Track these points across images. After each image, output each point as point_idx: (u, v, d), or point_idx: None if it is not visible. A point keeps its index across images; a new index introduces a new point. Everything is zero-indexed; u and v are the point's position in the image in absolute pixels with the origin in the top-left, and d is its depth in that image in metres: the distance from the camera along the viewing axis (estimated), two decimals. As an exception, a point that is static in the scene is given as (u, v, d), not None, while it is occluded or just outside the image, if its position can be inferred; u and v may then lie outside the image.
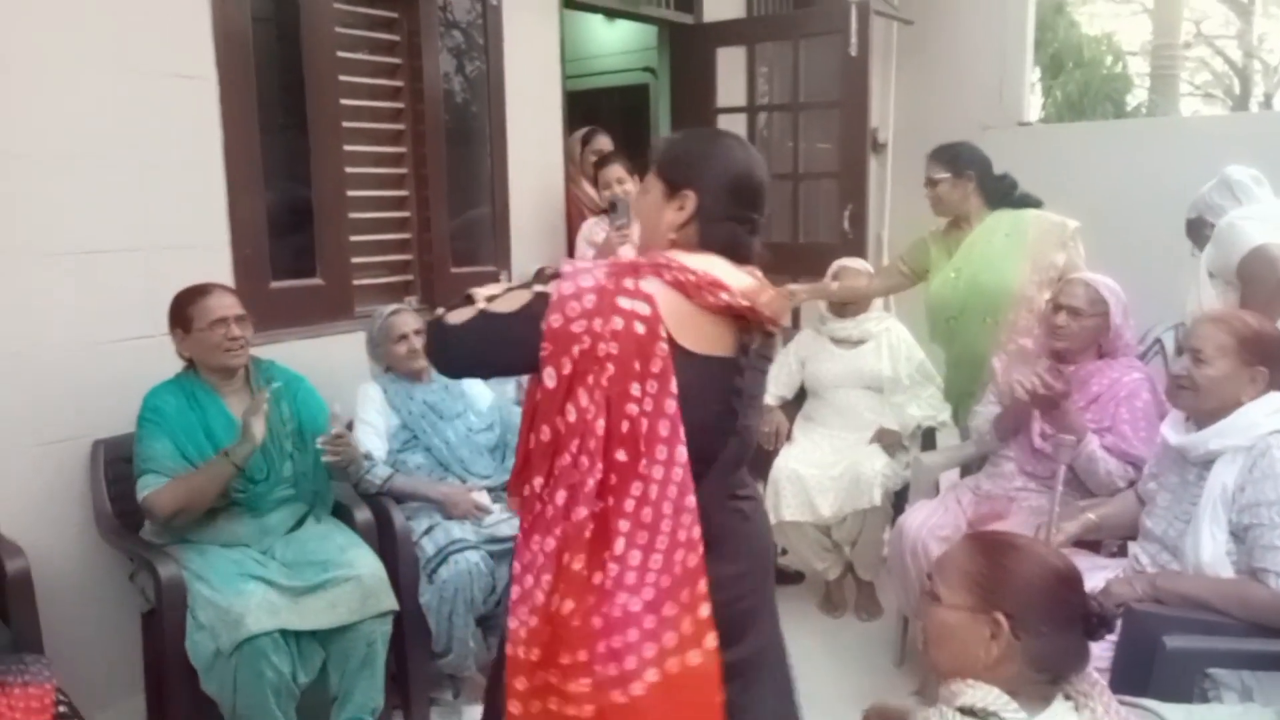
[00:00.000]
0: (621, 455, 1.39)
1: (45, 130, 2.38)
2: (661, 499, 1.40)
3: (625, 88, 5.52)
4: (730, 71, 4.48)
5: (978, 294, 2.97)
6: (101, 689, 2.52)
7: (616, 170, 3.51)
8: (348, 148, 3.09)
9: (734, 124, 4.52)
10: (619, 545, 1.39)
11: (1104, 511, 2.33)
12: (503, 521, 2.67)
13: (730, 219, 1.52)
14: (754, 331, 1.51)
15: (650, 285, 1.41)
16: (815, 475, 3.13)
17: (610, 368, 1.38)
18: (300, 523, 2.52)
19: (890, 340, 3.40)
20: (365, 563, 2.39)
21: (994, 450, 2.80)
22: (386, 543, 2.54)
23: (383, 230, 3.29)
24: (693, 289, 1.42)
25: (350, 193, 3.11)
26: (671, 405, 1.39)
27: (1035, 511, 2.56)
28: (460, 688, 2.73)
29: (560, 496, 1.41)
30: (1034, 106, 8.90)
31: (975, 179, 3.14)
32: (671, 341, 1.40)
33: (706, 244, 1.51)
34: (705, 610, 1.40)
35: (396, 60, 3.26)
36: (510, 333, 1.41)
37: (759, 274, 1.55)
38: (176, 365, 2.45)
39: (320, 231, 3.04)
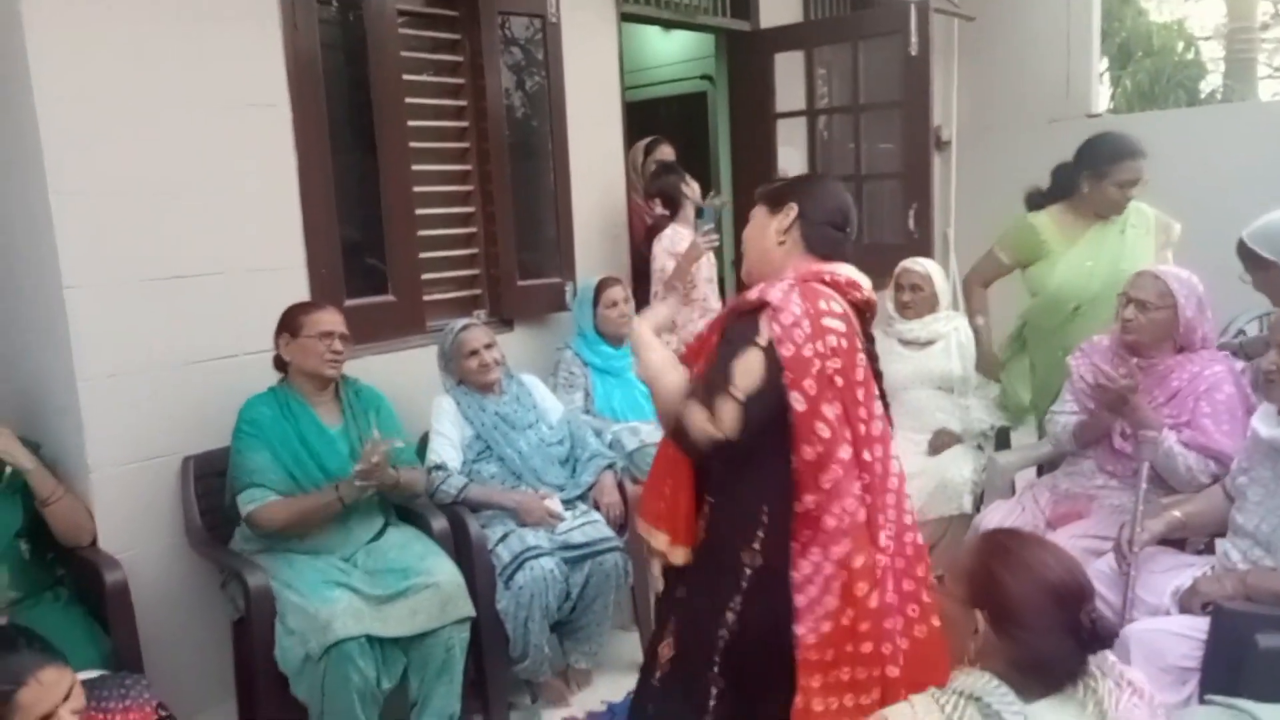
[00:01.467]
0: (867, 456, 1.63)
1: (135, 164, 2.50)
2: (885, 490, 1.66)
3: (684, 96, 5.54)
4: (789, 76, 4.47)
5: (1116, 283, 2.75)
6: (195, 695, 2.62)
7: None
8: (415, 167, 3.17)
9: (794, 128, 4.52)
10: (881, 538, 1.64)
11: (1189, 509, 2.26)
12: (575, 529, 2.70)
13: (826, 223, 1.73)
14: (867, 319, 1.76)
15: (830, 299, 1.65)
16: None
17: (839, 380, 1.61)
18: (381, 532, 2.59)
19: (960, 339, 3.35)
20: (443, 570, 2.45)
21: (1072, 452, 2.74)
22: (463, 551, 2.59)
23: (451, 246, 3.37)
24: (844, 288, 1.69)
25: (419, 210, 3.19)
26: (879, 407, 1.67)
27: (1117, 510, 2.50)
28: (537, 693, 2.77)
29: (841, 506, 1.60)
30: (1103, 97, 8.67)
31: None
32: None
33: (810, 245, 1.73)
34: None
35: (460, 80, 3.34)
36: (768, 399, 1.56)
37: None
38: (260, 383, 2.56)
39: (391, 249, 3.12)
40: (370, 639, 2.26)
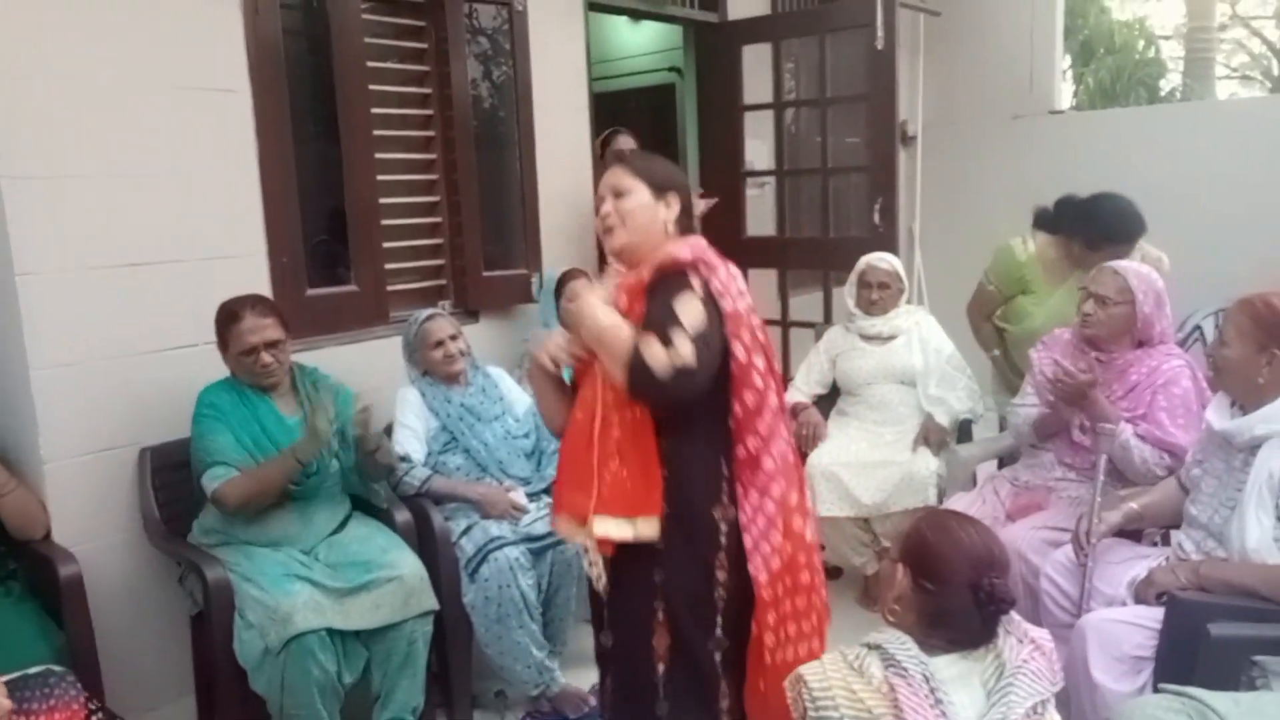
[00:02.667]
0: (775, 402, 1.77)
1: (91, 148, 2.45)
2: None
3: (652, 88, 5.53)
4: (756, 68, 4.47)
5: None
6: (153, 690, 2.59)
7: None
8: (379, 155, 3.13)
9: (761, 120, 4.52)
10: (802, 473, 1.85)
11: (1146, 500, 2.30)
12: (539, 520, 2.69)
13: (687, 210, 1.86)
14: None
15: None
16: (852, 469, 3.13)
17: (760, 336, 1.77)
18: (343, 525, 2.56)
19: (921, 334, 3.38)
20: (406, 563, 2.43)
21: (1028, 445, 2.78)
22: (426, 543, 2.57)
23: (415, 236, 3.33)
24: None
25: (383, 200, 3.15)
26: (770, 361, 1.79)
27: (1075, 501, 2.54)
28: (505, 688, 2.75)
29: (777, 449, 1.76)
30: (1065, 94, 8.79)
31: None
32: None
33: (681, 230, 1.84)
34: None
35: (425, 68, 3.30)
36: (713, 342, 1.68)
37: None
38: (216, 374, 2.51)
39: (354, 239, 3.09)
40: (331, 632, 2.24)
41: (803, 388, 3.51)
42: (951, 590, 1.50)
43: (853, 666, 1.49)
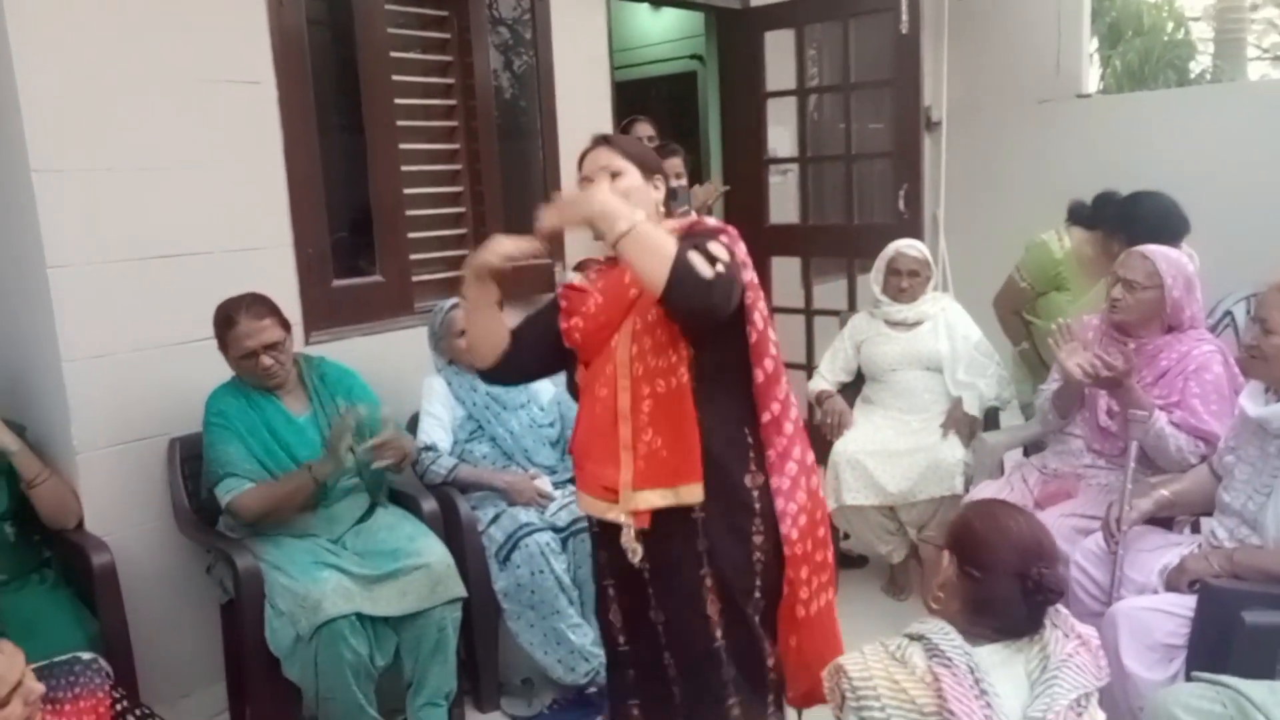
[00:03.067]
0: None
1: (120, 141, 2.47)
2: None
3: (674, 76, 5.51)
4: (779, 55, 4.43)
5: None
6: (184, 678, 2.62)
7: (676, 164, 3.59)
8: (403, 146, 3.14)
9: (784, 107, 4.49)
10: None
11: (1177, 488, 2.27)
12: (564, 508, 2.70)
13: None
14: None
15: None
16: (878, 457, 3.11)
17: (766, 310, 1.78)
18: (369, 513, 2.58)
19: (947, 320, 3.35)
20: (433, 551, 2.44)
21: (1057, 429, 2.75)
22: (453, 531, 2.59)
23: (440, 226, 3.34)
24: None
25: (407, 190, 3.16)
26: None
27: (1105, 489, 2.51)
28: (533, 675, 2.76)
29: (795, 412, 1.83)
30: (1093, 78, 8.66)
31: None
32: None
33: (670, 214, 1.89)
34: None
35: (448, 58, 3.30)
36: (738, 284, 1.67)
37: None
38: (243, 365, 2.53)
39: (379, 229, 3.10)
40: (361, 617, 2.26)
41: (827, 375, 3.50)
42: (997, 578, 1.49)
43: (895, 657, 1.48)
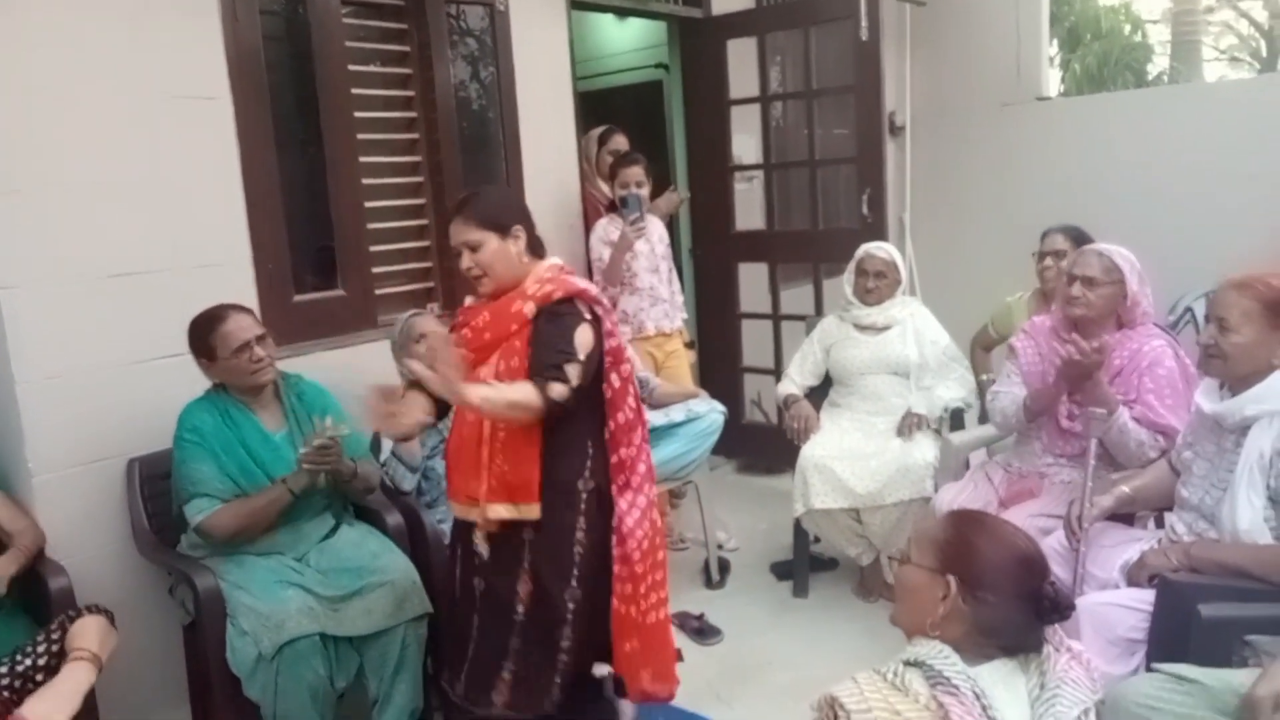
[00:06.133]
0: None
1: (74, 157, 2.44)
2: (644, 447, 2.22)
3: (639, 85, 5.52)
4: (742, 63, 4.46)
5: None
6: (147, 700, 2.57)
7: (637, 173, 3.57)
8: (364, 159, 3.12)
9: (748, 114, 4.51)
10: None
11: (1137, 484, 2.30)
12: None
13: (533, 230, 2.19)
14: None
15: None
16: (845, 460, 3.12)
17: (628, 368, 2.15)
18: (334, 530, 2.55)
19: (916, 325, 3.37)
20: (398, 567, 2.42)
21: (1015, 432, 2.77)
22: (418, 545, 2.56)
23: (402, 239, 3.32)
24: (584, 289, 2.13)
25: (368, 203, 3.14)
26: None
27: (1067, 487, 2.54)
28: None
29: (645, 455, 2.19)
30: (1053, 81, 8.77)
31: None
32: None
33: (533, 252, 2.17)
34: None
35: (408, 70, 3.29)
36: (595, 360, 2.06)
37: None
38: (207, 382, 2.50)
39: (340, 243, 3.08)
40: (324, 637, 2.24)
41: (796, 379, 3.51)
42: (1011, 599, 1.39)
43: (895, 685, 1.37)
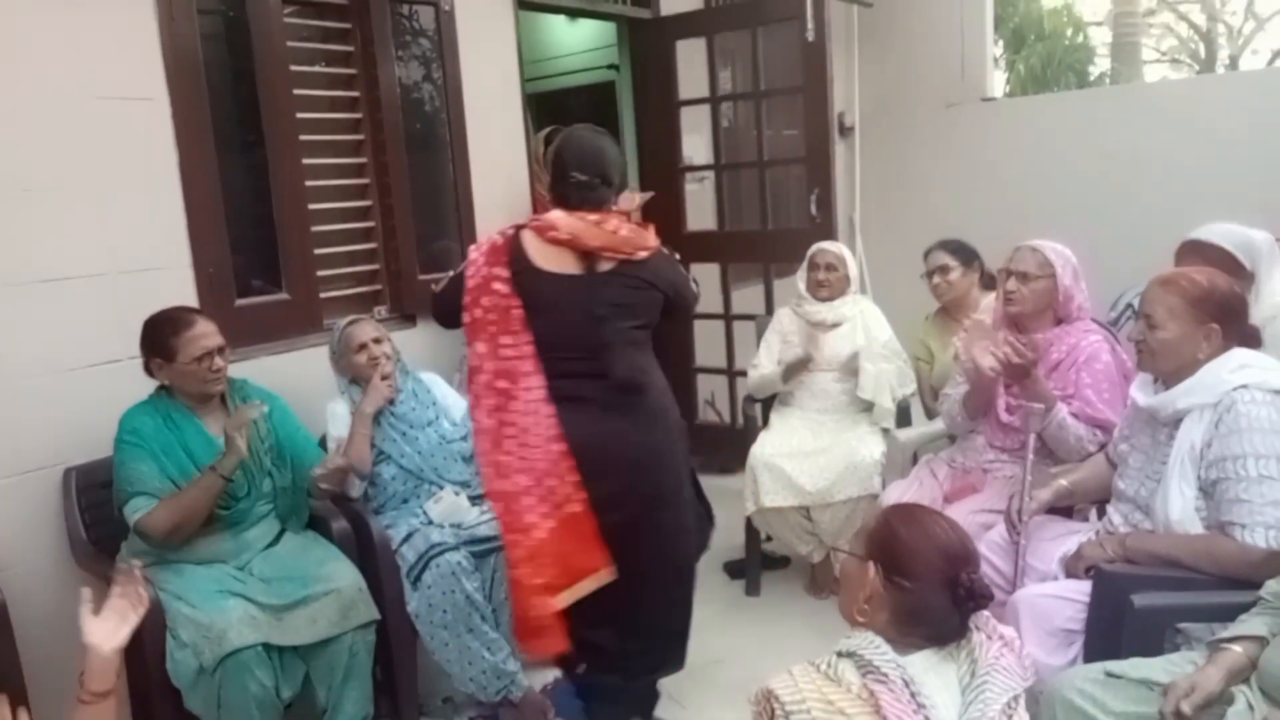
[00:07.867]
0: (502, 384, 2.25)
1: (2, 159, 2.37)
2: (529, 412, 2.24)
3: (592, 86, 5.51)
4: (691, 63, 4.48)
5: None
6: (89, 716, 2.51)
7: None
8: (307, 160, 3.08)
9: (697, 115, 4.53)
10: (507, 444, 2.26)
11: (1075, 478, 2.34)
12: (483, 523, 2.66)
13: (565, 181, 2.30)
14: (595, 257, 2.25)
15: (524, 235, 2.27)
16: (795, 458, 3.14)
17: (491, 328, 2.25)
18: (278, 538, 2.51)
19: (865, 321, 3.41)
20: (344, 575, 2.39)
21: (967, 431, 2.81)
22: (366, 551, 2.53)
23: (348, 241, 3.28)
24: (539, 231, 2.25)
25: (312, 205, 3.10)
26: (529, 348, 2.22)
27: (1009, 481, 2.58)
28: (452, 694, 2.72)
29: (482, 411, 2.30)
30: (998, 82, 8.94)
31: (979, 269, 3.31)
32: (531, 264, 2.24)
33: (556, 201, 2.32)
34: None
35: (352, 70, 3.25)
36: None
37: (593, 217, 2.25)
38: (144, 389, 2.45)
39: (284, 246, 3.03)
40: (268, 647, 2.20)
41: (766, 362, 3.51)
42: (928, 586, 1.44)
43: (827, 676, 1.41)
